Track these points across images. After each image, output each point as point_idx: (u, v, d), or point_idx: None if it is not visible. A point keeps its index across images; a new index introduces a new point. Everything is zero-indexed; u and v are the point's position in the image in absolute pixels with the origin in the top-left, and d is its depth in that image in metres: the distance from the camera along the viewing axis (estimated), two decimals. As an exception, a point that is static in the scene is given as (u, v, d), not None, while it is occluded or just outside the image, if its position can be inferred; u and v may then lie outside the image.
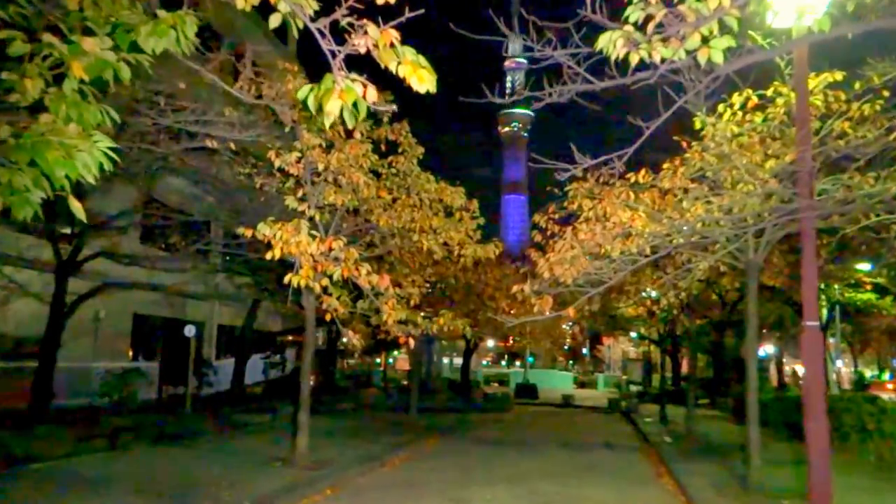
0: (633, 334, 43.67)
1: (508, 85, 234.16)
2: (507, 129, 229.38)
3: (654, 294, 15.56)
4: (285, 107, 9.16)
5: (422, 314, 12.19)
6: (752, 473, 10.22)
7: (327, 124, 3.62)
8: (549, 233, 11.09)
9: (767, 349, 42.89)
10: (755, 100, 8.86)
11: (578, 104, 5.35)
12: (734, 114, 9.16)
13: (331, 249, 8.55)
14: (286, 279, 8.49)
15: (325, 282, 8.78)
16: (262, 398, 27.29)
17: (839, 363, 33.73)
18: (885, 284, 25.44)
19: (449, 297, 18.69)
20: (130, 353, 24.86)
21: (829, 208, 7.88)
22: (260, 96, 8.95)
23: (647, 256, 9.19)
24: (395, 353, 47.60)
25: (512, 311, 17.51)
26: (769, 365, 40.53)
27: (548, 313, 8.47)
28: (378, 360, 48.28)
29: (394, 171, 11.92)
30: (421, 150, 11.85)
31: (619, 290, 16.61)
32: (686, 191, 9.53)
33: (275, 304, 27.72)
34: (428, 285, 18.30)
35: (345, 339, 9.06)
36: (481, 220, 12.14)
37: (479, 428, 21.58)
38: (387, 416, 23.61)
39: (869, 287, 24.57)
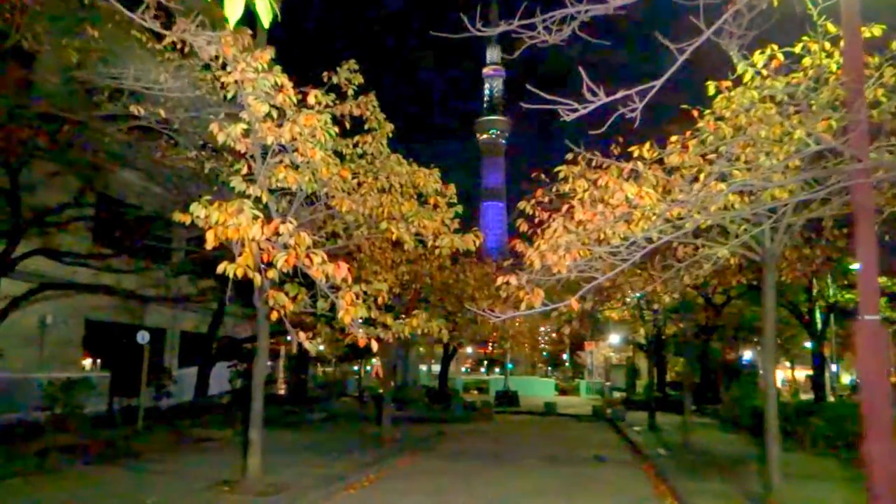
0: (615, 339, 42.47)
1: (487, 92, 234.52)
2: (485, 136, 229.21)
3: (637, 295, 14.21)
4: (203, 39, 7.60)
5: (391, 315, 10.77)
6: (775, 497, 8.83)
7: (231, 22, 2.32)
8: (536, 220, 9.68)
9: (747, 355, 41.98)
10: (780, 58, 7.53)
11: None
12: (755, 76, 7.82)
13: (278, 234, 7.06)
14: (219, 268, 6.98)
15: (273, 273, 7.29)
16: (227, 409, 25.49)
17: (834, 368, 32.67)
18: (882, 284, 24.42)
19: (424, 297, 17.18)
20: (88, 363, 23.13)
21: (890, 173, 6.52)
22: (169, 24, 7.40)
23: (652, 243, 7.82)
24: (373, 360, 45.99)
25: (495, 311, 16.12)
26: (758, 370, 39.42)
27: (538, 307, 7.02)
28: (356, 368, 46.58)
29: (359, 151, 10.46)
30: (390, 126, 10.39)
31: (607, 291, 15.28)
32: (698, 171, 8.19)
33: (241, 308, 26.13)
34: (402, 285, 16.86)
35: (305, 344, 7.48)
36: (459, 208, 10.66)
37: (459, 440, 20.08)
38: (360, 427, 22.06)
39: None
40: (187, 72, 10.10)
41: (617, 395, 39.56)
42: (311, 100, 8.99)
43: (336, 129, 8.98)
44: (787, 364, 48.95)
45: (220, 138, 9.00)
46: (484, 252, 26.22)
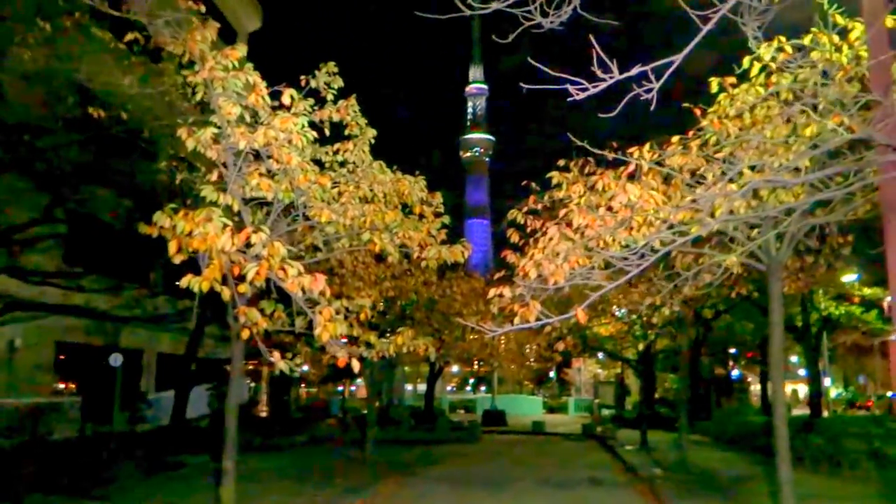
0: (602, 355, 41.88)
1: (470, 110, 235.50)
2: (468, 154, 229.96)
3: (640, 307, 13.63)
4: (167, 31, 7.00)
5: (375, 333, 10.15)
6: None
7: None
8: (528, 229, 9.14)
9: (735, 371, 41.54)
10: (789, 50, 7.04)
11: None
12: (760, 71, 7.33)
13: (249, 244, 6.44)
14: (183, 281, 6.34)
15: (245, 288, 6.66)
16: (207, 433, 24.57)
17: (827, 381, 32.28)
18: (870, 297, 24.11)
19: (409, 314, 16.53)
20: (62, 386, 22.24)
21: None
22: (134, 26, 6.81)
23: (654, 251, 7.28)
24: (359, 381, 45.06)
25: (487, 325, 15.56)
26: (748, 386, 39.11)
27: (532, 321, 6.42)
28: (341, 388, 45.62)
29: (339, 159, 9.86)
30: (372, 132, 9.79)
31: (600, 305, 14.73)
32: (695, 174, 7.69)
33: (221, 328, 25.31)
34: (386, 302, 16.21)
35: (279, 363, 6.84)
36: (446, 219, 10.07)
37: (445, 462, 19.34)
38: (343, 451, 21.29)
39: (857, 300, 23.13)
40: (155, 77, 9.50)
41: (606, 412, 38.96)
42: (285, 99, 8.37)
43: (314, 134, 8.38)
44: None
45: (190, 144, 8.37)
46: (469, 269, 25.63)
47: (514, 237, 9.24)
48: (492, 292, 7.16)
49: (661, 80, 3.74)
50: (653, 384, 35.68)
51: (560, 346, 15.10)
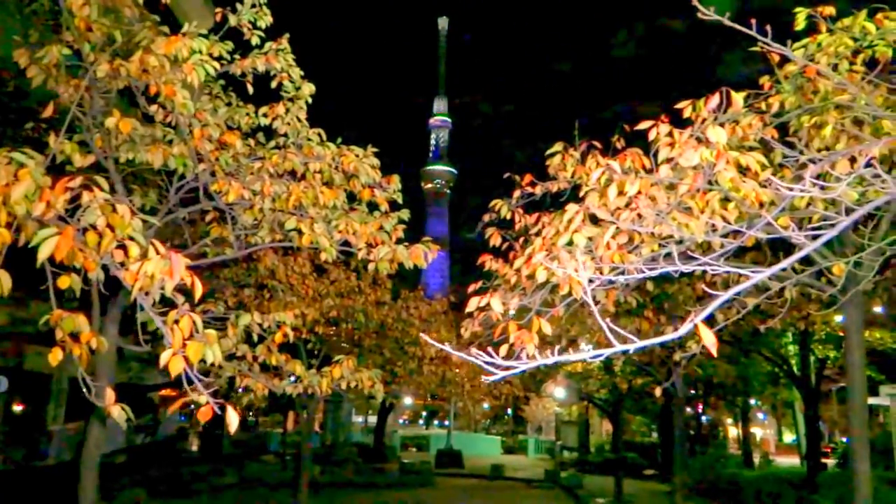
0: (560, 393, 39.14)
1: (433, 142, 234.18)
2: (430, 185, 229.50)
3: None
4: None
5: (301, 363, 7.55)
6: None
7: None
8: (519, 224, 6.65)
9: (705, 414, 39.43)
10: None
11: None
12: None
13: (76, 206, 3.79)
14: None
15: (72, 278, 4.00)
16: (121, 471, 21.16)
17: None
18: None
19: (357, 340, 13.78)
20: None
21: None
22: None
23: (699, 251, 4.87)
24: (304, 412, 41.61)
25: (440, 352, 13.00)
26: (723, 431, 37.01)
27: (548, 356, 3.84)
28: (285, 420, 42.06)
29: (263, 123, 7.25)
30: (310, 88, 7.18)
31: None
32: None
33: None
34: (330, 326, 13.51)
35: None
36: (405, 213, 7.49)
37: (394, 516, 16.52)
38: (275, 496, 18.32)
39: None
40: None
41: (567, 454, 36.40)
42: (186, 26, 5.81)
43: (216, 66, 5.76)
44: (730, 421, 46.60)
45: (32, 72, 5.74)
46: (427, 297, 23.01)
47: (496, 239, 6.71)
48: (473, 303, 4.63)
49: None
50: (621, 426, 33.32)
51: (549, 387, 12.56)
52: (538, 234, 5.28)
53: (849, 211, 3.71)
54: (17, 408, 23.34)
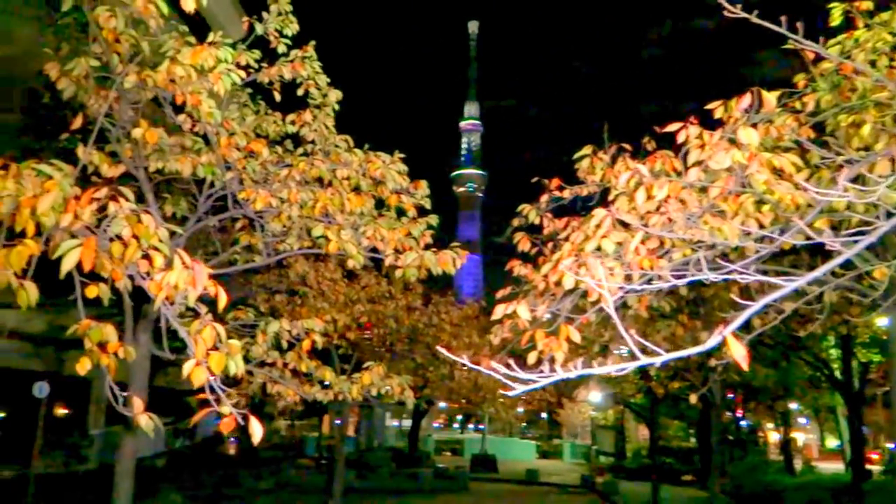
0: (593, 398, 38.71)
1: (464, 146, 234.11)
2: (462, 189, 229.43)
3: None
4: None
5: (330, 370, 7.54)
6: None
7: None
8: (548, 229, 6.55)
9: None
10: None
11: None
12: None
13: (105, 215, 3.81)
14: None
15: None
16: (160, 475, 21.48)
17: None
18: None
19: (389, 346, 13.77)
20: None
21: None
22: None
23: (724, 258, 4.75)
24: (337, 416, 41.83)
25: (474, 357, 12.86)
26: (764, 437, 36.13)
27: (571, 368, 3.73)
28: (320, 424, 42.36)
29: (290, 130, 7.28)
30: (337, 95, 7.20)
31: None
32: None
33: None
34: (364, 331, 13.53)
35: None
36: (434, 219, 7.45)
37: (428, 521, 16.49)
38: (311, 500, 18.42)
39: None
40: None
41: (603, 459, 35.99)
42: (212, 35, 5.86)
43: (242, 74, 5.79)
44: (771, 425, 45.47)
45: (62, 84, 5.83)
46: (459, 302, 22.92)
47: (524, 244, 6.62)
48: (498, 310, 4.57)
49: None
50: (656, 431, 32.80)
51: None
52: (567, 238, 5.19)
53: (890, 214, 3.57)
54: (60, 412, 23.85)
